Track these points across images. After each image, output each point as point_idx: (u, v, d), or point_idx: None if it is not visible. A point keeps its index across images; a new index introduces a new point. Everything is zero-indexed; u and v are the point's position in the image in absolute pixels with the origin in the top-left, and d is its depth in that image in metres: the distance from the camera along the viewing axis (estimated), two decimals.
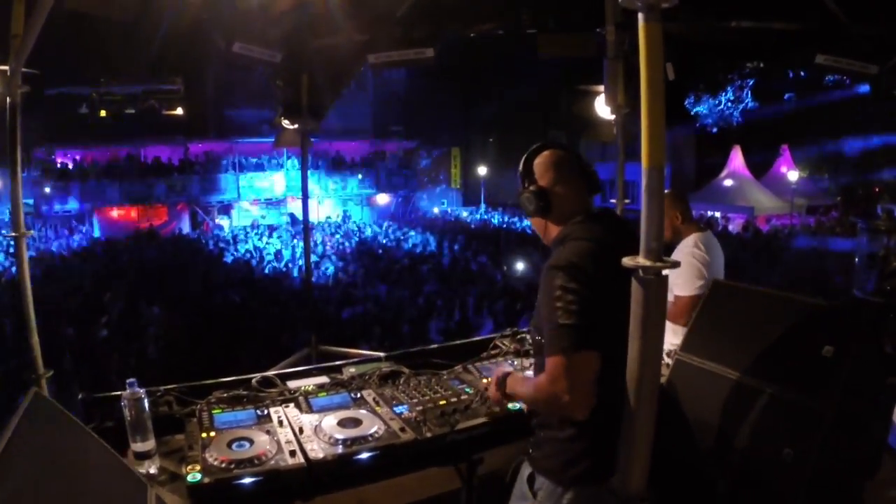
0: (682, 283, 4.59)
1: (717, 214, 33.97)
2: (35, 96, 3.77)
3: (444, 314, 14.29)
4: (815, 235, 27.60)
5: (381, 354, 4.24)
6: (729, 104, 38.85)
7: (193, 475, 2.61)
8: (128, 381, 2.87)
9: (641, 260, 2.26)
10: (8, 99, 3.63)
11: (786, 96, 37.37)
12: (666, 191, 5.42)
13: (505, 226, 33.59)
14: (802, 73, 33.82)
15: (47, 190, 31.05)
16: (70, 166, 32.65)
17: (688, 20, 5.15)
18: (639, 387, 2.35)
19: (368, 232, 30.66)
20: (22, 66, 3.60)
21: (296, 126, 6.55)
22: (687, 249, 4.76)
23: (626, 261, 2.27)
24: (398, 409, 3.25)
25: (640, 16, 2.19)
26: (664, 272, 2.25)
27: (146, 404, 2.88)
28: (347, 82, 6.56)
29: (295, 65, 6.08)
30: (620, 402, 2.40)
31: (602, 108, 5.88)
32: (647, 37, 2.20)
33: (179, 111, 34.73)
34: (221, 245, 26.59)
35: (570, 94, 41.25)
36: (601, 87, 5.80)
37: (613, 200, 6.09)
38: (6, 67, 3.58)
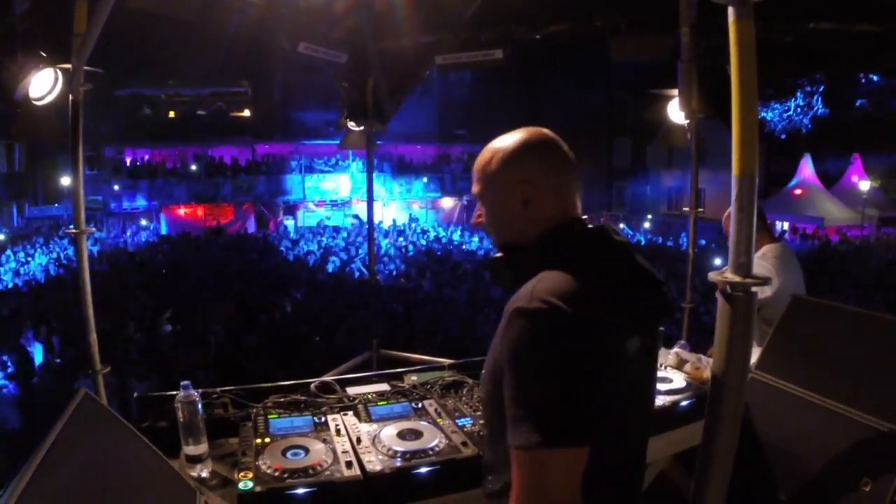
0: None
1: (786, 225, 33.15)
2: (106, 97, 3.81)
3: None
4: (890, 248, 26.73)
5: (446, 362, 4.12)
6: (798, 110, 37.62)
7: (245, 483, 2.52)
8: (182, 383, 2.82)
9: (729, 275, 2.10)
10: (70, 97, 3.65)
11: (857, 103, 36.26)
12: None
13: None
14: (875, 79, 32.87)
15: (116, 188, 31.77)
16: (139, 165, 33.44)
17: (765, 20, 4.96)
18: (720, 411, 2.20)
19: (432, 235, 30.64)
20: (84, 64, 3.62)
21: (361, 128, 6.50)
22: (755, 261, 4.60)
23: (713, 276, 2.12)
24: (461, 422, 3.11)
25: (731, 12, 2.04)
26: (753, 289, 2.10)
27: (200, 407, 2.82)
28: (414, 85, 6.50)
29: (360, 66, 6.04)
30: None
31: (675, 113, 5.69)
32: (738, 35, 2.04)
33: (247, 113, 35.48)
34: (286, 245, 26.89)
35: (637, 100, 40.82)
36: (674, 91, 5.61)
37: (686, 208, 5.90)
38: (69, 66, 3.59)
